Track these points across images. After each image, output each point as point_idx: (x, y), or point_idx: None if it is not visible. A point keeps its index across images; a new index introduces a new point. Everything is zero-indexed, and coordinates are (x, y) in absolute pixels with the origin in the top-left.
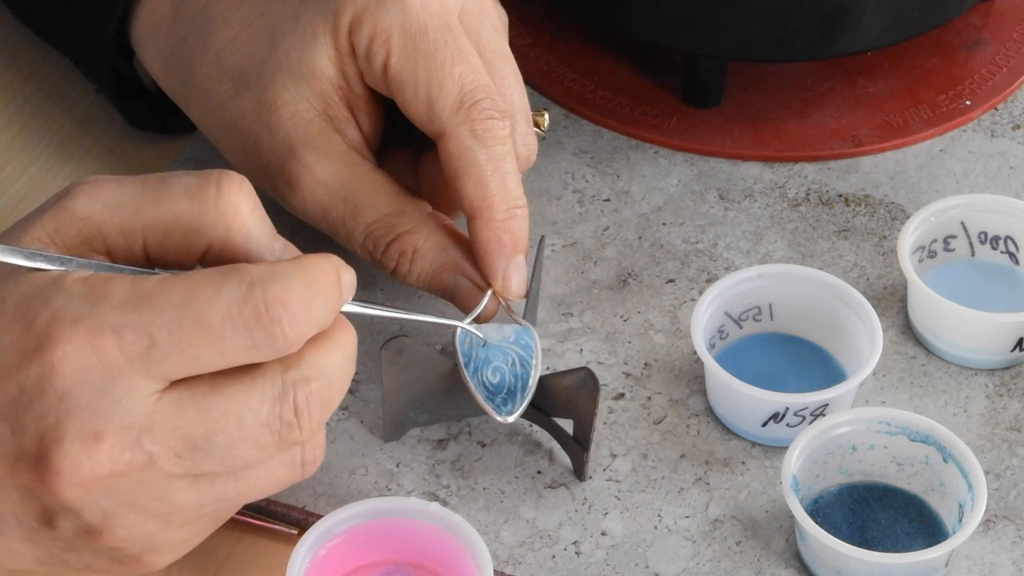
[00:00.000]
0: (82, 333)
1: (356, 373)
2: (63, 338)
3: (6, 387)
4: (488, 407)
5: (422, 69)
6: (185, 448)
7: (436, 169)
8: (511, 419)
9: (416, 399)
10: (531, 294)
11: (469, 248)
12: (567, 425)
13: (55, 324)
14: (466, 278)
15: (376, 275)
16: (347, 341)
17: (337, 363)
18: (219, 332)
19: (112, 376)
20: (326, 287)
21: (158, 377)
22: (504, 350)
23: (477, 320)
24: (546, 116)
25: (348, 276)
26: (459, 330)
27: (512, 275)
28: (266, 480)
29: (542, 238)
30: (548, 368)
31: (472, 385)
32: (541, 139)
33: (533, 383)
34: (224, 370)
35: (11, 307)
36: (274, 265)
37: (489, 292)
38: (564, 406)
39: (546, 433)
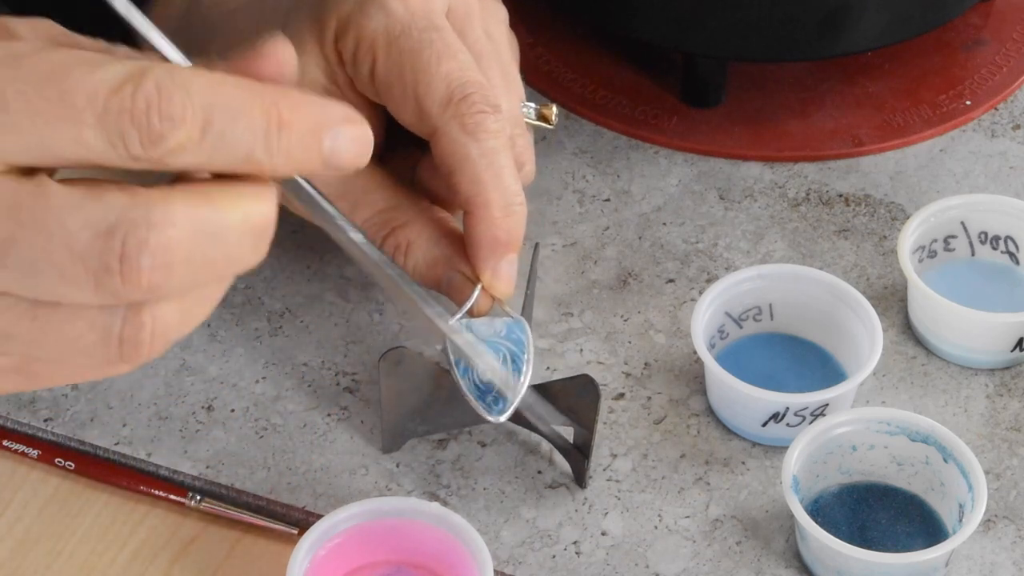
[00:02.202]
0: None
1: (355, 374)
2: None
3: None
4: (479, 407)
5: (408, 70)
6: None
7: (434, 172)
8: (502, 418)
9: (415, 409)
10: (526, 301)
11: (464, 242)
12: (567, 432)
13: None
14: (459, 272)
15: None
16: (245, 209)
17: (226, 224)
18: (79, 116)
19: None
20: (256, 116)
21: None
22: (495, 346)
23: (468, 315)
24: (554, 108)
25: (347, 131)
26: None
27: (502, 272)
28: (68, 336)
29: (536, 245)
30: (548, 368)
31: (463, 385)
32: (547, 131)
33: (525, 380)
34: (67, 161)
35: None
36: (192, 69)
37: (480, 287)
38: (564, 413)
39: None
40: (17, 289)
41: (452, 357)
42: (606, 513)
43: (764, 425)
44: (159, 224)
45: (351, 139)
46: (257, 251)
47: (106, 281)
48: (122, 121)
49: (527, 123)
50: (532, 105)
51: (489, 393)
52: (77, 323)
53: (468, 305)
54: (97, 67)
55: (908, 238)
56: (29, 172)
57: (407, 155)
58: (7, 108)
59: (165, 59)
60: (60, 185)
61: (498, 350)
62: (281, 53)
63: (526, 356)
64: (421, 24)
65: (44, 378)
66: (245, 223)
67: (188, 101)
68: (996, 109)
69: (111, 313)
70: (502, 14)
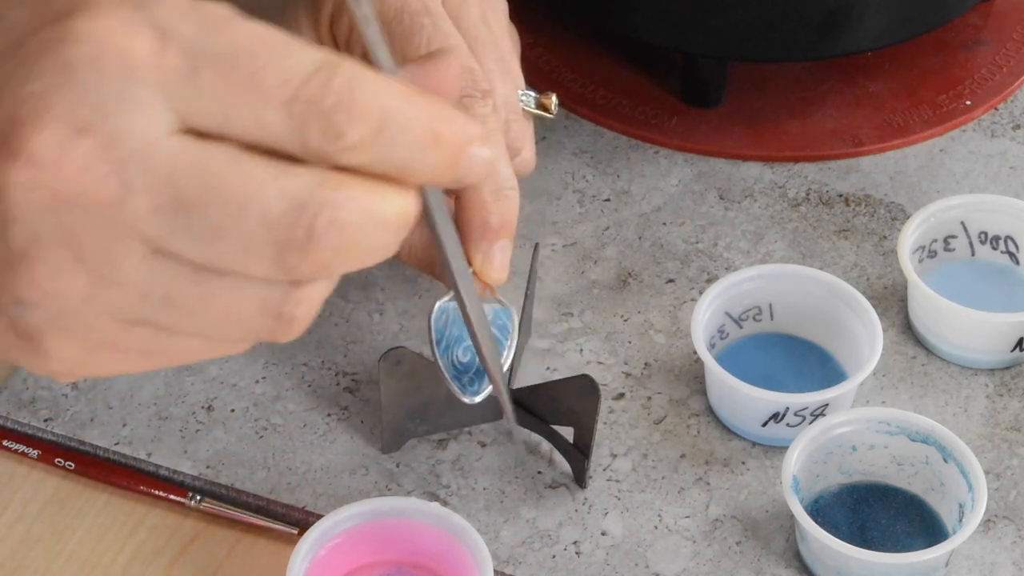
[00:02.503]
0: (125, 17)
1: (355, 373)
2: (100, 13)
3: (7, 39)
4: (454, 386)
5: (398, 55)
6: (168, 204)
7: None
8: (476, 399)
9: (415, 409)
10: (526, 301)
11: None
12: (567, 432)
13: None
14: None
15: (376, 273)
16: (399, 204)
17: (384, 218)
18: (267, 97)
19: (132, 78)
20: (421, 128)
21: (179, 111)
22: None
23: None
24: (553, 98)
25: (481, 152)
26: (435, 307)
27: (494, 257)
28: (228, 306)
29: (536, 245)
30: (548, 368)
31: (441, 364)
32: (547, 132)
33: (505, 364)
34: (252, 146)
35: None
36: (382, 73)
37: (469, 271)
38: (564, 414)
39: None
40: (193, 253)
41: (434, 335)
42: (606, 513)
43: (764, 425)
44: (345, 205)
45: (482, 159)
46: (396, 245)
47: (288, 255)
48: (308, 111)
49: (527, 112)
50: (532, 94)
51: (466, 373)
52: (241, 293)
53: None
54: (292, 51)
55: (908, 238)
56: (201, 137)
57: None
58: (199, 72)
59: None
60: (252, 155)
61: None
62: (457, 66)
63: (508, 342)
64: (414, 8)
65: (166, 357)
66: (398, 217)
67: (371, 103)
68: (996, 109)
69: (274, 287)
70: (501, 5)
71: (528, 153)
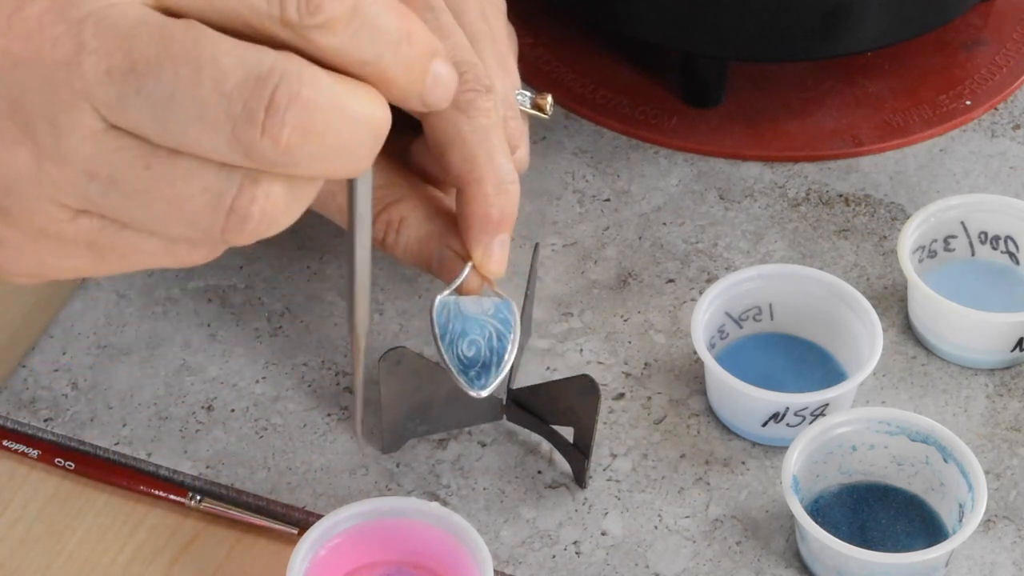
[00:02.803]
0: None
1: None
2: None
3: None
4: (461, 380)
5: None
6: (121, 66)
7: (427, 152)
8: (484, 393)
9: (415, 409)
10: (526, 301)
11: (456, 220)
12: (567, 432)
13: None
14: (450, 249)
15: (376, 273)
16: (371, 106)
17: (354, 113)
18: None
19: None
20: (394, 20)
21: None
22: (482, 323)
23: (458, 292)
24: (549, 98)
25: (444, 68)
26: (436, 301)
27: (494, 250)
28: (178, 194)
29: (536, 245)
30: (548, 368)
31: (446, 358)
32: (546, 132)
33: (510, 357)
34: (215, 11)
35: None
36: None
37: (470, 265)
38: (564, 413)
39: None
40: (146, 124)
41: (437, 330)
42: (606, 513)
43: (764, 425)
44: (310, 82)
45: (448, 74)
46: (369, 156)
47: (245, 130)
48: None
49: (522, 111)
50: (528, 94)
51: (472, 367)
52: (191, 182)
53: (457, 282)
54: None
55: (908, 238)
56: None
57: (402, 135)
58: None
59: None
60: (215, 31)
61: (484, 327)
62: None
63: (512, 335)
64: (416, 3)
65: (117, 256)
66: (370, 120)
67: None
68: (996, 109)
69: (228, 178)
70: (500, 3)
71: (522, 152)
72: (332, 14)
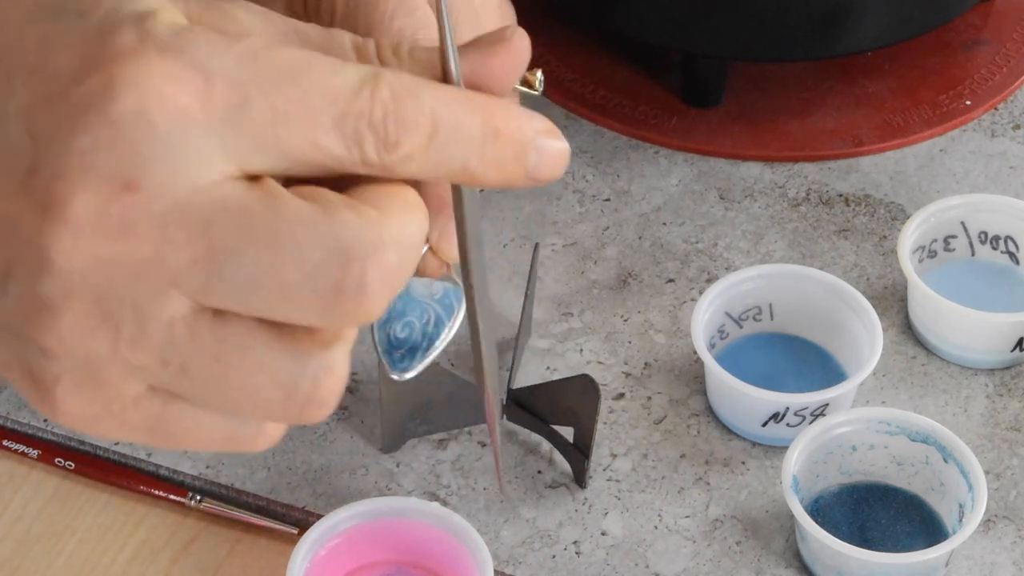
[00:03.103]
0: (167, 63)
1: (356, 373)
2: (141, 61)
3: (49, 89)
4: (384, 360)
5: (361, 25)
6: (205, 256)
7: None
8: (405, 376)
9: (414, 409)
10: (526, 301)
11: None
12: (567, 432)
13: (137, 46)
14: None
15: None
16: (424, 213)
17: (417, 239)
18: (319, 119)
19: (180, 128)
20: (475, 126)
21: (234, 152)
22: (424, 306)
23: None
24: (539, 74)
25: (551, 144)
26: None
27: (451, 234)
28: (248, 384)
29: (536, 245)
30: (548, 368)
31: (376, 335)
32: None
33: (441, 344)
34: (299, 165)
35: (99, 17)
36: (413, 75)
37: (426, 246)
38: (564, 413)
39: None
40: (233, 303)
41: None
42: (606, 513)
43: (764, 425)
44: (391, 249)
45: (554, 153)
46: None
47: (335, 305)
48: (360, 126)
49: (512, 88)
50: None
51: (399, 349)
52: (261, 375)
53: None
54: (334, 69)
55: (908, 238)
56: (256, 178)
57: None
58: (250, 108)
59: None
60: (292, 196)
61: (425, 311)
62: (519, 44)
63: (450, 323)
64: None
65: (174, 441)
66: (423, 236)
67: (420, 107)
68: (996, 109)
69: (302, 370)
70: None
71: None
72: (412, 146)
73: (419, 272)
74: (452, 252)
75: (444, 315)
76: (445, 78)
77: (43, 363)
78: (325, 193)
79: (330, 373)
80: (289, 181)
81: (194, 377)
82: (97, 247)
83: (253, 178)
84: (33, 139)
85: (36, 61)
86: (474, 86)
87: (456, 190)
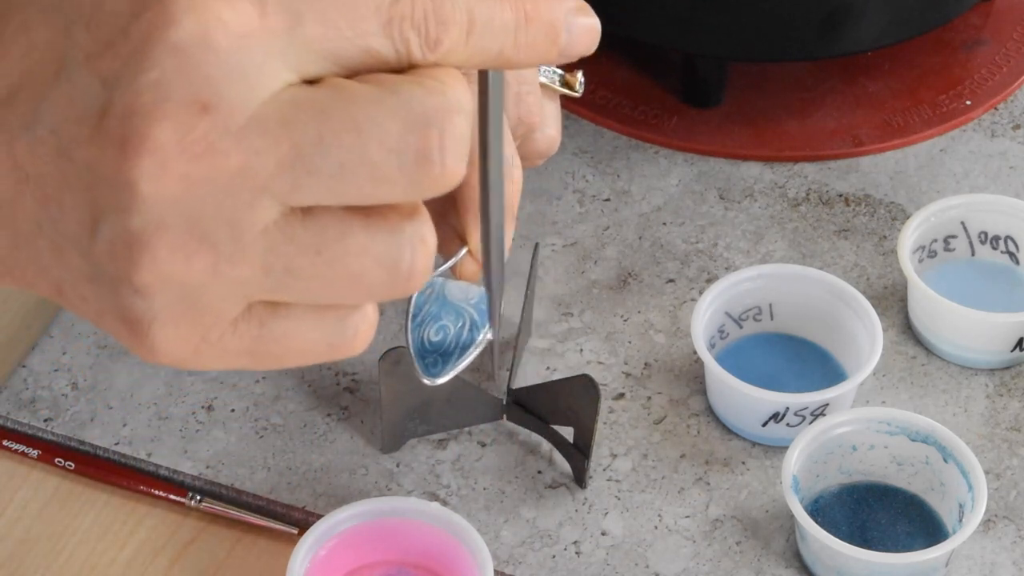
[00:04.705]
0: None
1: (355, 373)
2: None
3: (110, 32)
4: (417, 365)
5: None
6: (290, 156)
7: None
8: (438, 382)
9: (414, 409)
10: (526, 301)
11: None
12: (567, 432)
13: None
14: (450, 227)
15: None
16: (468, 85)
17: (471, 103)
18: (367, 26)
19: (242, 47)
20: (508, 13)
21: (292, 65)
22: (459, 310)
23: (452, 273)
24: (579, 75)
25: (581, 20)
26: None
27: None
28: (353, 270)
29: (536, 245)
30: (548, 368)
31: (409, 338)
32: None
33: (475, 350)
34: (345, 69)
35: None
36: None
37: (465, 249)
38: (564, 413)
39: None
40: (325, 197)
41: (412, 308)
42: (606, 513)
43: (764, 425)
44: (459, 111)
45: (585, 29)
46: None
47: (424, 174)
48: (404, 28)
49: (552, 89)
50: (557, 71)
51: (433, 353)
52: (363, 257)
53: (449, 263)
54: None
55: (908, 238)
56: (317, 80)
57: None
58: (301, 22)
59: None
60: (355, 83)
61: (460, 316)
62: None
63: (484, 329)
64: None
65: (274, 359)
66: (473, 113)
67: (455, 5)
68: (996, 109)
69: (398, 244)
70: None
71: (552, 130)
72: (451, 43)
73: (458, 275)
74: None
75: (479, 320)
76: None
77: (139, 304)
78: (385, 76)
79: (423, 240)
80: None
81: (300, 276)
82: (184, 169)
83: (315, 81)
84: (103, 83)
85: (92, 9)
86: None
87: (483, 76)
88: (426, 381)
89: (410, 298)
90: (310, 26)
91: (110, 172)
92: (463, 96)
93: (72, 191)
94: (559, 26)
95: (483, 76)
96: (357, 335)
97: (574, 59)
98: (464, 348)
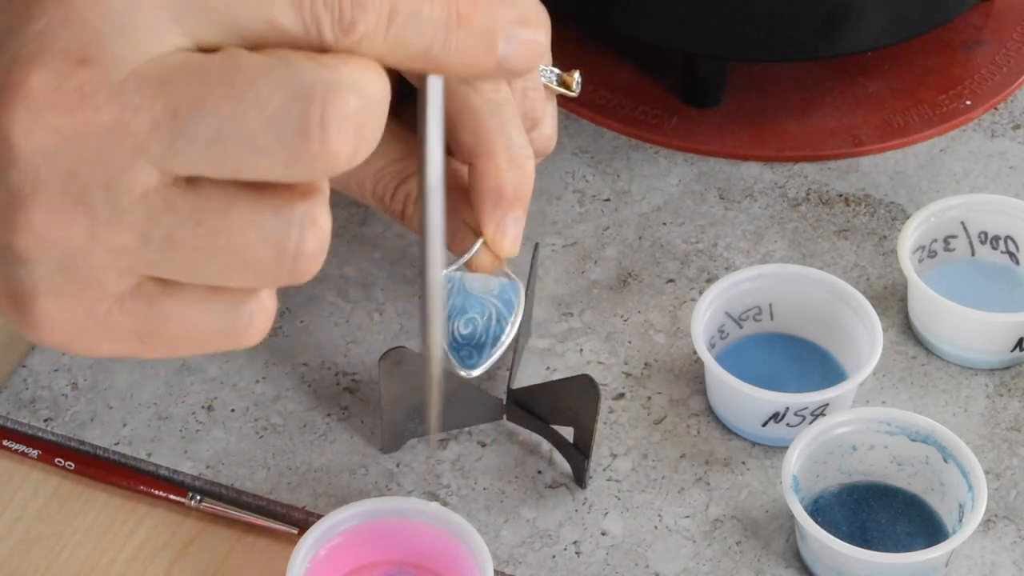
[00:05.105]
0: None
1: (356, 373)
2: None
3: None
4: (452, 358)
5: None
6: (166, 115)
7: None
8: (474, 373)
9: (415, 409)
10: (526, 302)
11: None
12: (567, 432)
13: None
14: (463, 222)
15: (376, 273)
16: (385, 78)
17: (378, 93)
18: None
19: (133, 5)
20: (437, 8)
21: (188, 29)
22: (484, 302)
23: (468, 268)
24: (576, 75)
25: (522, 33)
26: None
27: (507, 228)
28: (236, 244)
29: (536, 245)
30: (548, 368)
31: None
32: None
33: (506, 339)
34: (248, 43)
35: None
36: None
37: (480, 241)
38: (564, 413)
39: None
40: (202, 165)
41: None
42: (606, 513)
43: (764, 425)
44: (351, 89)
45: (525, 43)
46: (376, 138)
47: (302, 149)
48: (316, 5)
49: (549, 88)
50: (555, 70)
51: (466, 346)
52: (248, 232)
53: (466, 257)
54: None
55: (908, 238)
56: (213, 49)
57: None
58: None
59: None
60: (247, 52)
61: (485, 307)
62: None
63: (512, 317)
64: None
65: (165, 345)
66: (384, 100)
67: None
68: (996, 109)
69: (286, 222)
70: None
71: (549, 129)
72: (367, 28)
73: (474, 268)
74: (507, 247)
75: (505, 310)
76: None
77: (21, 273)
78: (283, 50)
79: (314, 223)
80: None
81: (180, 247)
82: (57, 120)
83: (211, 49)
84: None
85: None
86: None
87: (422, 84)
88: (463, 373)
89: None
90: None
91: None
92: (363, 78)
93: None
94: (496, 34)
95: (422, 84)
96: (252, 323)
97: (515, 76)
98: (496, 338)
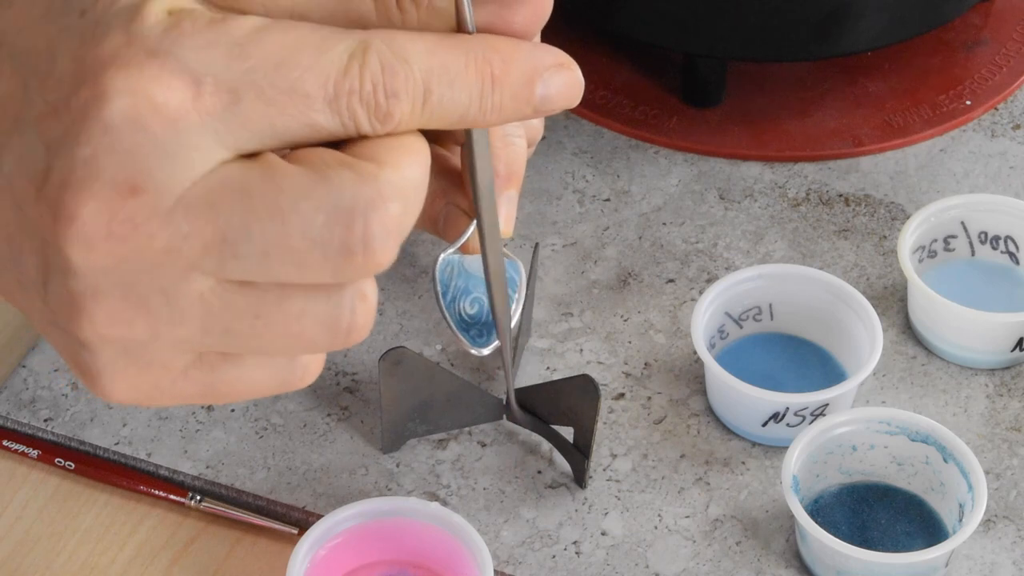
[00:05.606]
0: (154, 69)
1: (356, 373)
2: (131, 68)
3: (56, 97)
4: (462, 339)
5: None
6: (216, 240)
7: None
8: (485, 351)
9: (415, 409)
10: (526, 301)
11: (461, 176)
12: (567, 432)
13: (125, 51)
14: (455, 206)
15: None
16: (424, 151)
17: (418, 180)
18: (311, 102)
19: (175, 129)
20: (471, 77)
21: (229, 143)
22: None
23: (463, 251)
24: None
25: (556, 77)
26: (440, 259)
27: (501, 207)
28: (292, 331)
29: (536, 245)
30: (548, 368)
31: (447, 315)
32: (547, 131)
33: (513, 316)
34: (289, 155)
35: (86, 24)
36: (407, 33)
37: (474, 222)
38: (564, 413)
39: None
40: (253, 276)
41: (439, 287)
42: (606, 513)
43: (764, 425)
44: (391, 199)
45: (562, 84)
46: (416, 216)
47: (347, 264)
48: (352, 103)
49: None
50: None
51: (474, 326)
52: (303, 319)
53: (462, 239)
54: (323, 46)
55: (908, 238)
56: (254, 154)
57: None
58: (240, 101)
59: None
60: (288, 165)
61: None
62: (537, 3)
63: (517, 295)
64: None
65: (225, 398)
66: (425, 175)
67: (409, 74)
68: (996, 109)
69: (338, 305)
70: None
71: (536, 119)
72: (403, 113)
73: (471, 250)
74: (502, 227)
75: (508, 289)
76: (460, 28)
77: (85, 355)
78: (322, 154)
79: (364, 299)
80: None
81: (239, 336)
82: (111, 248)
83: (252, 154)
84: (47, 148)
85: (46, 67)
86: None
87: (467, 131)
88: (473, 352)
89: (434, 278)
90: (249, 104)
91: (49, 236)
92: (402, 176)
93: (28, 240)
94: (532, 86)
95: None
96: (307, 371)
97: (554, 113)
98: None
